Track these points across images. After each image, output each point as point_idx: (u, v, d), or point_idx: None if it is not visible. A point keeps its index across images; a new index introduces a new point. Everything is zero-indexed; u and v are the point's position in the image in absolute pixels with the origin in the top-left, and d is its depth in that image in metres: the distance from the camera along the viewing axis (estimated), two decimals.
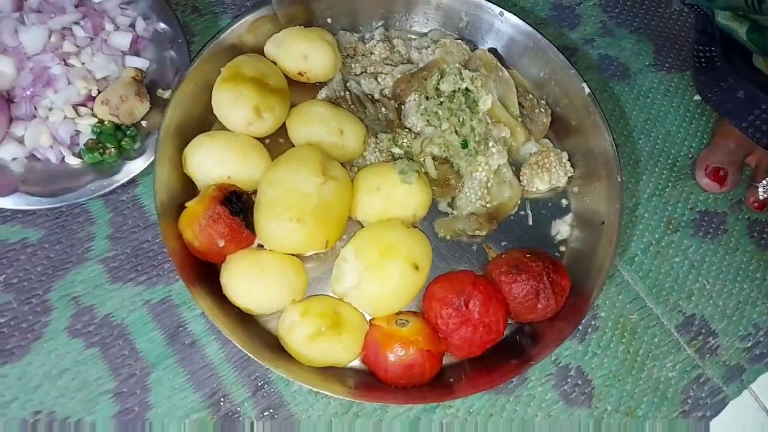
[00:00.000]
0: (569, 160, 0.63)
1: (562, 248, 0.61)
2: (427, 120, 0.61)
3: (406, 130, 0.62)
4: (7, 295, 0.52)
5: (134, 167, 0.57)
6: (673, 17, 0.76)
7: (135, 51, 0.62)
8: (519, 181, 0.62)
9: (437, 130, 0.60)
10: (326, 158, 0.55)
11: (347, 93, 0.63)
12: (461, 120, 0.60)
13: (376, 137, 0.61)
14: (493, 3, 0.64)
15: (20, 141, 0.56)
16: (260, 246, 0.53)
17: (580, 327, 0.58)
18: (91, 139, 0.57)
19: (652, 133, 0.69)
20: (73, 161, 0.57)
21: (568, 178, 0.63)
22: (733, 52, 0.64)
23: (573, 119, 0.63)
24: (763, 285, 0.64)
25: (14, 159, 0.56)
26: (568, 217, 0.62)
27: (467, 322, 0.51)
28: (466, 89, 0.62)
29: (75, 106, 0.57)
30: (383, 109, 0.63)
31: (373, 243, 0.52)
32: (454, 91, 0.62)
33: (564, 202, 0.63)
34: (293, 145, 0.59)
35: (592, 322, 0.59)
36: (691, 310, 0.61)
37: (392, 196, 0.55)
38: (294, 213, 0.50)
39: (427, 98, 0.62)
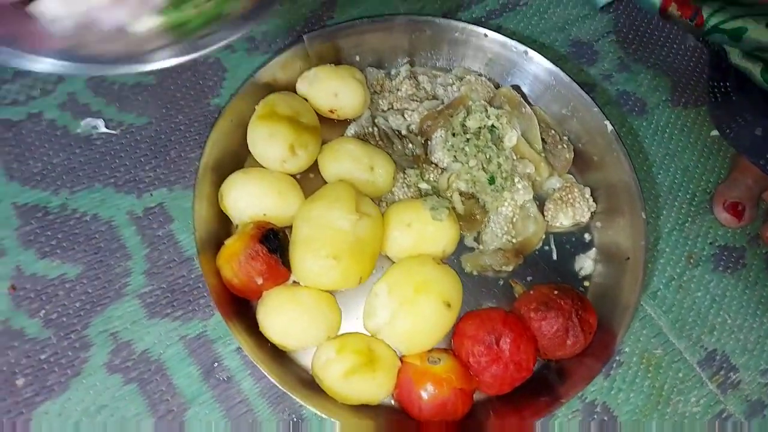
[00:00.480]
0: (592, 195, 0.64)
1: (586, 283, 0.62)
2: (454, 156, 0.63)
3: (433, 165, 0.64)
4: (47, 331, 0.53)
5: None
6: (688, 53, 0.78)
7: None
8: (543, 216, 0.63)
9: (464, 166, 0.62)
10: (359, 195, 0.56)
11: (375, 129, 0.65)
12: (488, 156, 0.62)
13: (404, 173, 0.63)
14: (517, 41, 0.66)
15: None
16: (295, 282, 0.54)
17: None
18: None
19: (670, 168, 0.70)
20: (143, 25, 0.41)
21: (591, 213, 0.64)
22: (749, 88, 0.66)
23: (595, 155, 0.64)
24: None
25: (53, 21, 0.39)
26: (592, 252, 0.63)
27: (498, 360, 0.52)
28: (492, 126, 0.63)
29: None
30: (410, 145, 0.65)
31: (407, 280, 0.53)
32: (480, 128, 0.63)
33: (587, 236, 0.64)
34: (324, 180, 0.60)
35: (617, 358, 0.60)
36: (713, 344, 0.62)
37: (423, 232, 0.56)
38: (330, 250, 0.51)
39: (453, 135, 0.63)
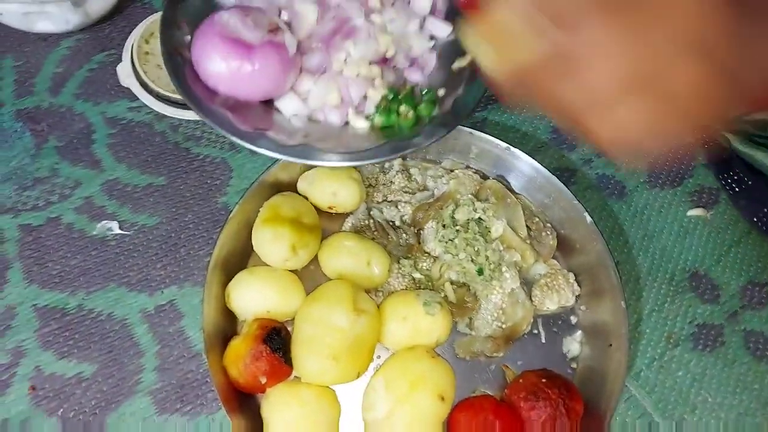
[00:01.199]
0: (576, 279, 0.69)
1: (574, 365, 0.66)
2: (445, 247, 0.67)
3: (426, 254, 0.68)
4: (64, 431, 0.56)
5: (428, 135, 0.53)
6: None
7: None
8: (531, 301, 0.68)
9: (455, 258, 0.66)
10: (357, 291, 0.60)
11: (371, 221, 0.70)
12: (476, 249, 0.66)
13: (399, 263, 0.67)
14: (500, 138, 0.71)
15: (304, 97, 0.53)
16: (296, 377, 0.58)
17: None
18: (384, 98, 0.53)
19: (649, 249, 0.75)
20: (360, 124, 0.54)
21: (576, 296, 0.68)
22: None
23: (577, 241, 0.69)
24: (761, 396, 0.68)
25: (294, 115, 0.53)
26: (578, 335, 0.67)
27: None
28: (479, 218, 0.68)
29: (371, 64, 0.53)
30: (404, 235, 0.69)
31: (403, 375, 0.57)
32: (468, 220, 0.68)
33: (573, 319, 0.68)
34: (323, 273, 0.65)
35: None
36: (695, 424, 0.65)
37: (418, 325, 0.60)
38: (331, 351, 0.55)
39: (443, 226, 0.68)
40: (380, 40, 0.55)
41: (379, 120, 0.56)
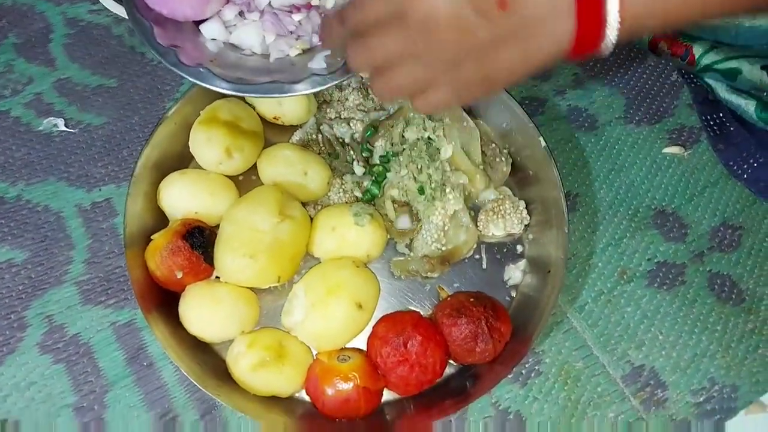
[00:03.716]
0: (527, 208, 0.65)
1: (513, 293, 0.63)
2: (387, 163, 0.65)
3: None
4: None
5: None
6: (647, 72, 0.78)
7: None
8: (476, 226, 0.65)
9: (396, 175, 0.64)
10: (286, 198, 0.59)
11: (320, 136, 0.68)
12: (419, 167, 0.64)
13: (342, 179, 0.65)
14: None
15: (227, 26, 0.55)
16: (218, 278, 0.57)
17: (523, 371, 0.60)
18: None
19: (615, 183, 0.70)
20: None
21: (525, 225, 0.65)
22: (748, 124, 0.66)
23: (532, 169, 0.66)
24: (723, 338, 0.64)
25: (213, 40, 0.55)
26: (522, 263, 0.64)
27: (405, 361, 0.54)
28: (429, 138, 0.65)
29: None
30: (351, 152, 0.67)
31: (321, 281, 0.56)
32: (417, 139, 0.65)
33: (519, 248, 0.65)
34: (262, 183, 0.63)
35: (536, 368, 0.61)
36: (641, 360, 0.62)
37: (346, 236, 0.59)
38: (248, 250, 0.54)
39: (392, 144, 0.66)
40: None
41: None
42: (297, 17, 0.54)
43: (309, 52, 0.55)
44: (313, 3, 0.55)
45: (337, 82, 0.52)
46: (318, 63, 0.52)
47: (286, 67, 0.54)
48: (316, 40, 0.54)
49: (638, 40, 0.72)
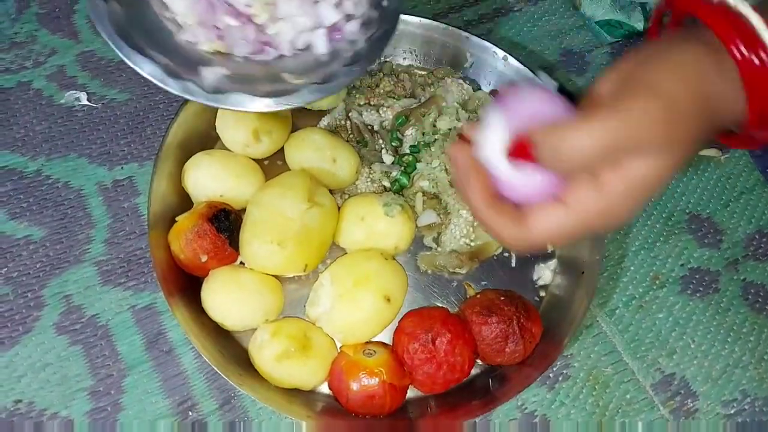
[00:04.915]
0: None
1: (543, 293, 0.61)
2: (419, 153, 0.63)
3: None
4: (5, 288, 0.56)
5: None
6: None
7: None
8: None
9: (428, 167, 0.62)
10: (315, 185, 0.57)
11: (348, 122, 0.66)
12: None
13: (370, 167, 0.63)
14: (501, 47, 0.65)
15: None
16: (242, 263, 0.56)
17: (550, 375, 0.58)
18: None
19: None
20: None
21: None
22: None
23: None
24: (757, 349, 0.62)
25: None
26: (552, 263, 0.62)
27: (432, 359, 0.52)
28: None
29: None
30: (380, 141, 0.65)
31: (349, 272, 0.54)
32: (450, 129, 0.63)
33: (549, 247, 0.63)
34: (289, 168, 0.61)
35: (564, 371, 0.59)
36: (671, 369, 0.60)
37: (375, 227, 0.57)
38: (275, 236, 0.52)
39: (423, 134, 0.63)
40: None
41: None
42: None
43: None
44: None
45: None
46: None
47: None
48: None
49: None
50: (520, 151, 0.37)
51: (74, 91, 0.64)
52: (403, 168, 0.63)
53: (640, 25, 0.74)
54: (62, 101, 0.64)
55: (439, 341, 0.52)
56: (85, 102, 0.64)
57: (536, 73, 0.63)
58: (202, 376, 0.55)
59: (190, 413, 0.53)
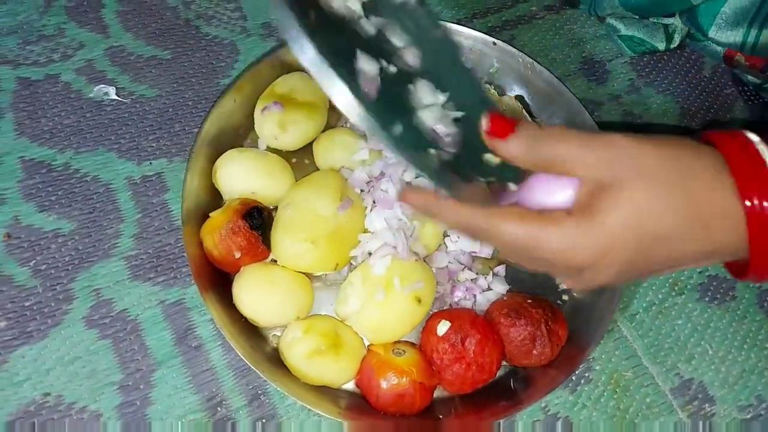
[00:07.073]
0: None
1: (565, 297, 0.62)
2: None
3: None
4: (34, 280, 0.55)
5: None
6: (702, 83, 0.77)
7: None
8: None
9: None
10: (345, 184, 0.57)
11: None
12: None
13: None
14: (526, 53, 0.66)
15: None
16: (273, 261, 0.56)
17: (573, 377, 0.59)
18: None
19: None
20: None
21: None
22: None
23: None
24: None
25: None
26: None
27: (461, 359, 0.53)
28: None
29: None
30: None
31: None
32: None
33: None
34: (318, 168, 0.62)
35: (586, 374, 0.60)
36: (690, 374, 0.62)
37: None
38: (309, 234, 0.53)
39: None
40: None
41: None
42: None
43: None
44: None
45: None
46: None
47: None
48: None
49: (738, 66, 0.70)
50: None
51: (103, 86, 0.64)
52: None
53: (661, 46, 0.75)
54: (91, 95, 0.64)
55: (468, 342, 0.53)
56: (114, 97, 0.64)
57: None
58: (230, 373, 0.55)
59: (218, 409, 0.53)
